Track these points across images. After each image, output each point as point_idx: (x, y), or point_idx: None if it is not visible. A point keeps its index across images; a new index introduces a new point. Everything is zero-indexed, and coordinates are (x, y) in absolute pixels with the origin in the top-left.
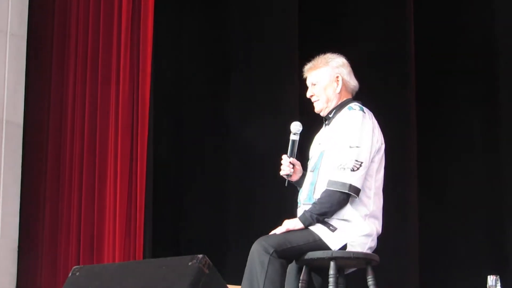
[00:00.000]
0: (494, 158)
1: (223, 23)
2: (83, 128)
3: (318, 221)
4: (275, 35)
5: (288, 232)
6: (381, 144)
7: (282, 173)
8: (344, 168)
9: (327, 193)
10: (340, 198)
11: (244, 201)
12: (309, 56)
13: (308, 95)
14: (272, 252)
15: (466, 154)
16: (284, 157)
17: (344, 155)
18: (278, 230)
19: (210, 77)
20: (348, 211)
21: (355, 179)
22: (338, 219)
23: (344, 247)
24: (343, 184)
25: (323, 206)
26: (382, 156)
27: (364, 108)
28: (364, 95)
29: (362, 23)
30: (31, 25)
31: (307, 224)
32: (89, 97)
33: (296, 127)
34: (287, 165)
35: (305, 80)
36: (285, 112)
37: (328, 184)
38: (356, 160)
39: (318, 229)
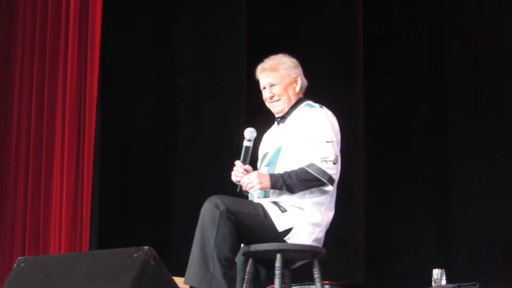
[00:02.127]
0: (441, 153)
1: (174, 21)
2: (29, 123)
3: (282, 189)
4: (223, 31)
5: (241, 200)
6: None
7: (234, 179)
8: (327, 161)
9: (307, 172)
10: (316, 184)
11: (190, 194)
12: (258, 58)
13: (267, 96)
14: (223, 209)
15: (414, 148)
16: (238, 163)
17: (324, 149)
18: (247, 179)
19: (159, 69)
20: (304, 200)
21: (335, 172)
22: (291, 205)
23: (289, 230)
24: (325, 173)
25: (294, 182)
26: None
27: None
28: (313, 93)
29: (311, 22)
30: None
31: (277, 187)
32: (36, 94)
33: (250, 133)
34: (241, 172)
35: (257, 81)
36: (232, 116)
37: (309, 166)
38: (336, 154)
39: (269, 207)
